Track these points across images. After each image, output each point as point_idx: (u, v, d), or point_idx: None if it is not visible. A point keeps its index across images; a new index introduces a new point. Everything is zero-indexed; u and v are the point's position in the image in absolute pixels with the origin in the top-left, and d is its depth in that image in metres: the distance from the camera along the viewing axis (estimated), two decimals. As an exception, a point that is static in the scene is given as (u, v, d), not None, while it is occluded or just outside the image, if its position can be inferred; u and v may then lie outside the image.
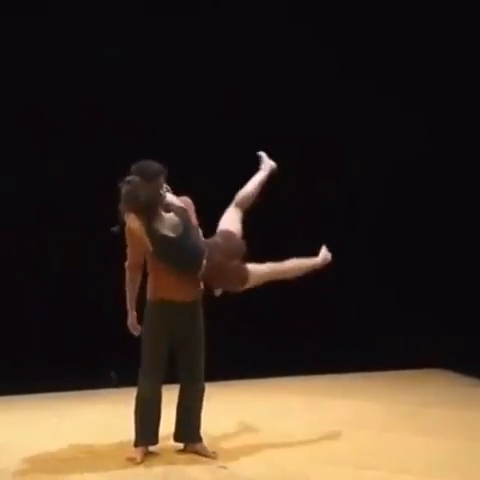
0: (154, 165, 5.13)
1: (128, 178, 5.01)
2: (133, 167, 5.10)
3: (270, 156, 5.70)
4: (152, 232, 5.05)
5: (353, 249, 8.30)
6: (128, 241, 5.23)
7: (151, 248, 5.09)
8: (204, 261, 5.11)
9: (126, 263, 5.33)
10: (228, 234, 5.27)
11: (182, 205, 5.21)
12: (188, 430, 5.42)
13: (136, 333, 5.39)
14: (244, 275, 5.16)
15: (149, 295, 5.35)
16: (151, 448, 5.41)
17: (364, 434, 6.07)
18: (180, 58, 7.92)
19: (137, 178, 4.99)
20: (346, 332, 8.21)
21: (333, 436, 6.01)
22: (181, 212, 5.16)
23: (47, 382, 7.26)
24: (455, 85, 8.42)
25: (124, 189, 4.99)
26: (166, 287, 5.25)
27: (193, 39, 7.91)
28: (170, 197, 5.19)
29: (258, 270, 5.23)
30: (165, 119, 7.83)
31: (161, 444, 5.46)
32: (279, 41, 8.09)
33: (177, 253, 5.11)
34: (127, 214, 5.04)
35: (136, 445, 5.37)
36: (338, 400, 7.17)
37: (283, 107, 8.12)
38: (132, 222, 5.03)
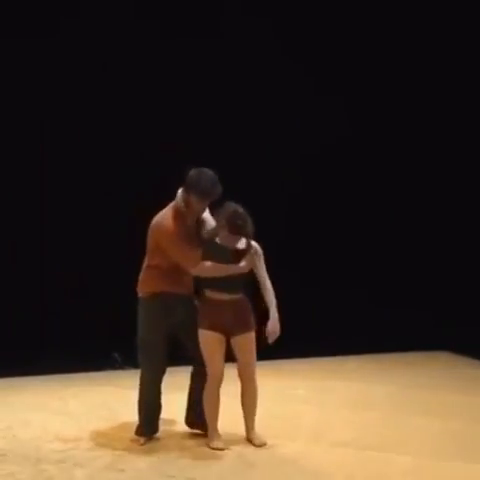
0: None
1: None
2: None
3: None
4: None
5: (361, 227, 8.32)
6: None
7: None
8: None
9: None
10: None
11: None
12: (201, 415, 5.38)
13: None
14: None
15: (148, 289, 5.34)
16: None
17: (368, 416, 6.08)
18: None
19: None
20: (350, 314, 8.21)
21: (337, 417, 6.03)
22: None
23: (51, 364, 7.28)
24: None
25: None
26: (169, 280, 5.30)
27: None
28: None
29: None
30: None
31: (165, 427, 5.49)
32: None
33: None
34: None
35: (138, 434, 5.39)
36: (342, 382, 7.18)
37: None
38: None
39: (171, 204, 5.34)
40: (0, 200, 7.71)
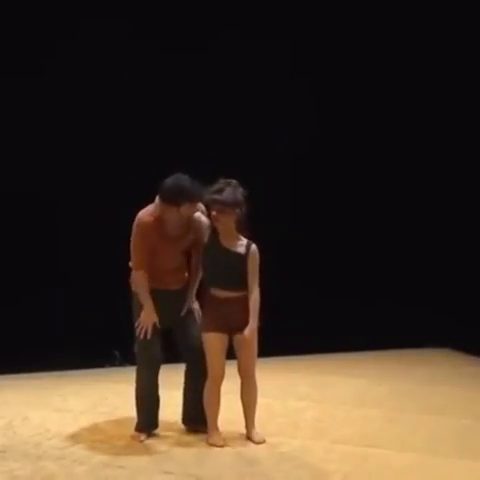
0: None
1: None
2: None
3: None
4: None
5: (363, 224, 8.35)
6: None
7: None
8: None
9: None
10: None
11: None
12: (197, 413, 5.38)
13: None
14: None
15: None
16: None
17: (368, 413, 6.08)
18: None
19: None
20: (350, 311, 8.20)
21: (338, 414, 6.03)
22: None
23: (51, 361, 7.27)
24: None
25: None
26: (156, 276, 5.28)
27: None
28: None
29: None
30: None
31: (164, 424, 5.48)
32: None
33: None
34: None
35: (138, 430, 5.40)
36: (343, 379, 7.17)
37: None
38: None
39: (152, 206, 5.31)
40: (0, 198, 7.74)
